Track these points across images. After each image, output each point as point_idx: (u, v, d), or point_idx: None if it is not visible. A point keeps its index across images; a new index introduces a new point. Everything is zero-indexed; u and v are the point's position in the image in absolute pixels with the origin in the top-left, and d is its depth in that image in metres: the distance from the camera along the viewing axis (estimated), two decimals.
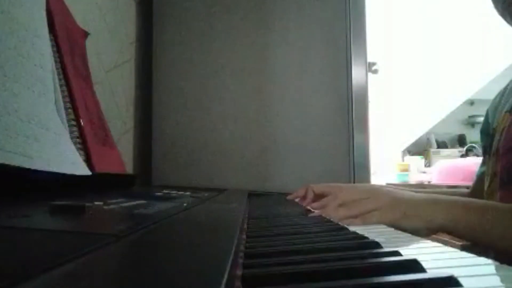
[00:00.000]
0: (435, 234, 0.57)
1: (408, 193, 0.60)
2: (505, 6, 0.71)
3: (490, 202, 0.58)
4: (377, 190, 0.60)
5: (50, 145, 0.47)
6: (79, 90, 0.67)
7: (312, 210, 0.63)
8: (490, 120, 0.84)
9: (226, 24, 1.24)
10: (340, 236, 0.39)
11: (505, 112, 0.76)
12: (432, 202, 0.57)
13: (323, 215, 0.58)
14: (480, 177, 0.85)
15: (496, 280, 0.24)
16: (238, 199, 0.75)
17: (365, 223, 0.54)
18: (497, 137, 0.76)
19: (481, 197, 0.78)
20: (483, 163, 0.86)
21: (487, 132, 0.84)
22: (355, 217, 0.56)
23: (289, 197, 0.84)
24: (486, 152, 0.83)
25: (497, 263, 0.27)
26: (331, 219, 0.55)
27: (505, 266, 0.26)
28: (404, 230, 0.51)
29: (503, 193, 0.70)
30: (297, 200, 0.85)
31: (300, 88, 1.21)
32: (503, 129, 0.74)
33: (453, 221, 0.54)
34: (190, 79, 1.24)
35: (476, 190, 0.85)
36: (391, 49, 2.69)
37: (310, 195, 0.74)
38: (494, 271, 0.26)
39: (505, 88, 0.83)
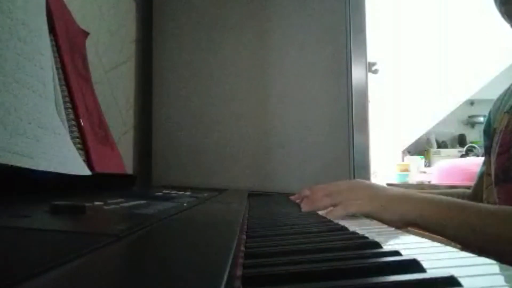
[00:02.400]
0: (408, 226, 0.62)
1: (386, 188, 0.66)
2: (501, 4, 0.72)
3: (457, 200, 0.61)
4: (359, 184, 0.67)
5: (50, 145, 0.47)
6: (79, 90, 0.67)
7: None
8: (491, 121, 0.85)
9: (226, 23, 1.24)
10: (340, 236, 0.39)
11: (504, 112, 0.77)
12: (403, 198, 0.62)
13: (312, 206, 0.65)
14: (481, 177, 0.86)
15: (496, 280, 0.24)
16: (238, 199, 0.75)
17: (346, 210, 0.60)
18: (496, 137, 0.77)
19: (482, 197, 0.80)
20: (484, 163, 0.87)
21: (488, 133, 0.85)
22: (337, 205, 0.62)
23: (292, 198, 0.86)
24: (487, 152, 0.84)
25: (498, 263, 0.27)
26: (318, 209, 0.62)
27: (505, 266, 0.26)
28: (381, 220, 0.58)
29: (499, 189, 0.73)
30: (298, 201, 0.85)
31: (300, 88, 1.22)
32: (501, 129, 0.75)
33: (421, 217, 0.60)
34: (190, 79, 1.24)
35: (477, 190, 0.86)
36: (391, 49, 2.69)
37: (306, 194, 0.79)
38: (495, 271, 0.26)
39: (508, 89, 0.84)
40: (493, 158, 0.77)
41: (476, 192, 0.87)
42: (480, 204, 0.60)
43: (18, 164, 0.38)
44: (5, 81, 0.42)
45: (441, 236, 0.60)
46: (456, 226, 0.57)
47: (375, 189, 0.65)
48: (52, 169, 0.44)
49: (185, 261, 0.20)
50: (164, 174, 1.22)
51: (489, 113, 0.88)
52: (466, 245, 0.56)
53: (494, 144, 0.77)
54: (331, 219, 0.55)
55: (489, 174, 0.78)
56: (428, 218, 0.59)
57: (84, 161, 0.57)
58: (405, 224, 0.61)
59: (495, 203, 0.72)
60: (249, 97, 1.23)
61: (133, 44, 1.21)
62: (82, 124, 0.64)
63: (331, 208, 0.63)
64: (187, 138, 1.22)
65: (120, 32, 1.11)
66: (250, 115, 1.22)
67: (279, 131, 1.21)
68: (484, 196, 0.79)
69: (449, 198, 0.63)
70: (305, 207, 0.66)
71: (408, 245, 0.37)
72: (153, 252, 0.23)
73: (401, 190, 0.67)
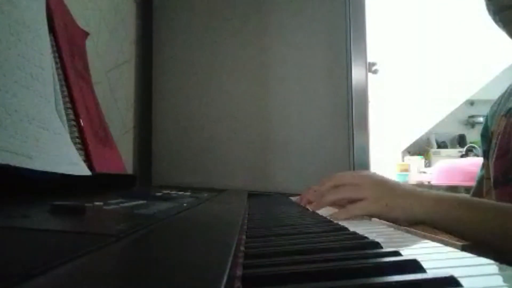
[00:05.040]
0: (415, 225, 0.60)
1: (393, 185, 0.63)
2: (495, 13, 0.72)
3: (465, 196, 0.60)
4: (368, 179, 0.63)
5: (50, 145, 0.47)
6: (79, 90, 0.67)
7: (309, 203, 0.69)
8: (489, 124, 0.85)
9: (226, 24, 1.24)
10: (340, 236, 0.39)
11: (502, 116, 0.77)
12: (410, 196, 0.60)
13: (320, 204, 0.63)
14: (480, 181, 0.86)
15: (496, 280, 0.24)
16: (238, 199, 0.75)
17: (349, 214, 0.57)
18: (494, 141, 0.77)
19: None
20: (483, 166, 0.87)
21: (486, 136, 0.85)
22: (341, 206, 0.60)
23: (295, 200, 0.85)
24: (485, 156, 0.84)
25: (498, 263, 0.27)
26: (324, 205, 0.60)
27: (505, 266, 0.26)
28: (388, 220, 0.56)
29: (499, 192, 0.72)
30: (296, 199, 0.85)
31: (300, 88, 1.21)
32: (499, 132, 0.75)
33: (428, 213, 0.58)
34: (190, 79, 1.24)
35: (477, 194, 0.86)
36: (391, 49, 2.69)
37: (309, 196, 0.77)
38: (494, 271, 0.26)
39: (504, 93, 0.84)
40: (491, 162, 0.77)
41: (476, 197, 0.86)
42: (491, 201, 0.58)
43: (18, 164, 0.38)
44: (5, 81, 0.42)
45: (450, 234, 0.58)
46: (466, 223, 0.55)
47: (381, 186, 0.62)
48: (52, 169, 0.44)
49: (185, 261, 0.20)
50: (164, 174, 1.22)
51: (486, 117, 0.88)
52: (477, 242, 0.54)
53: (492, 148, 0.77)
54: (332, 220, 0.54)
55: (488, 178, 0.78)
56: (437, 216, 0.57)
57: (84, 161, 0.57)
58: (412, 223, 0.59)
59: None
60: (249, 97, 1.23)
61: (133, 44, 1.21)
62: (82, 124, 0.64)
63: (335, 214, 0.60)
64: (187, 138, 1.22)
65: (120, 32, 1.11)
66: (250, 115, 1.22)
67: (279, 131, 1.21)
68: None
69: (458, 195, 0.61)
70: (311, 206, 0.64)
71: (408, 245, 0.37)
72: (153, 252, 0.23)
73: (408, 187, 0.64)
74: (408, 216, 0.58)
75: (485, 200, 0.59)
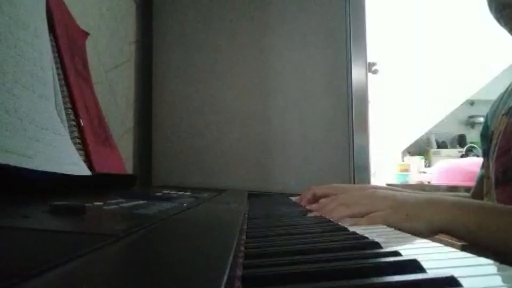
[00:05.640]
0: (436, 235, 0.57)
1: (409, 195, 0.60)
2: (498, 10, 0.72)
3: (490, 203, 0.58)
4: (379, 194, 0.61)
5: (50, 145, 0.47)
6: (79, 90, 0.67)
7: (311, 210, 0.64)
8: (489, 124, 0.85)
9: (226, 24, 1.24)
10: (340, 236, 0.39)
11: (502, 115, 0.77)
12: (431, 203, 0.57)
13: (323, 215, 0.59)
14: (480, 181, 0.86)
15: (496, 280, 0.24)
16: (238, 199, 0.75)
17: (371, 223, 0.54)
18: (494, 140, 0.77)
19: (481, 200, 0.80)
20: (483, 166, 0.87)
21: (486, 136, 0.85)
22: (359, 216, 0.56)
23: (295, 200, 0.85)
24: (485, 155, 0.84)
25: (498, 263, 0.26)
26: (331, 219, 0.55)
27: (505, 266, 0.26)
28: (405, 230, 0.51)
29: (499, 191, 0.72)
30: (296, 199, 0.85)
31: (300, 88, 1.22)
32: (499, 132, 0.75)
33: (452, 222, 0.55)
34: (190, 79, 1.24)
35: (477, 193, 0.86)
36: (391, 49, 2.69)
37: (309, 196, 0.75)
38: (495, 271, 0.26)
39: (504, 92, 0.84)
40: (491, 161, 0.77)
41: (476, 196, 0.86)
42: None
43: (18, 164, 0.38)
44: (5, 81, 0.42)
45: (473, 244, 0.55)
46: (493, 233, 0.52)
47: (396, 197, 0.59)
48: (52, 169, 0.44)
49: (185, 262, 0.20)
50: (164, 174, 1.22)
51: (486, 117, 0.88)
52: (504, 254, 0.51)
53: (492, 147, 0.77)
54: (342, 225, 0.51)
55: (488, 178, 0.78)
56: (460, 225, 0.53)
57: (84, 161, 0.57)
58: (432, 233, 0.56)
59: None
60: (249, 97, 1.23)
61: (133, 44, 1.21)
62: (82, 124, 0.64)
63: (354, 220, 0.56)
64: (187, 138, 1.22)
65: (120, 32, 1.11)
66: (250, 115, 1.22)
67: (279, 131, 1.21)
68: (486, 200, 0.79)
69: (483, 202, 0.58)
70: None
71: (408, 245, 0.37)
72: (153, 253, 0.23)
73: (424, 195, 0.61)
74: (429, 226, 0.55)
75: (507, 206, 0.56)
